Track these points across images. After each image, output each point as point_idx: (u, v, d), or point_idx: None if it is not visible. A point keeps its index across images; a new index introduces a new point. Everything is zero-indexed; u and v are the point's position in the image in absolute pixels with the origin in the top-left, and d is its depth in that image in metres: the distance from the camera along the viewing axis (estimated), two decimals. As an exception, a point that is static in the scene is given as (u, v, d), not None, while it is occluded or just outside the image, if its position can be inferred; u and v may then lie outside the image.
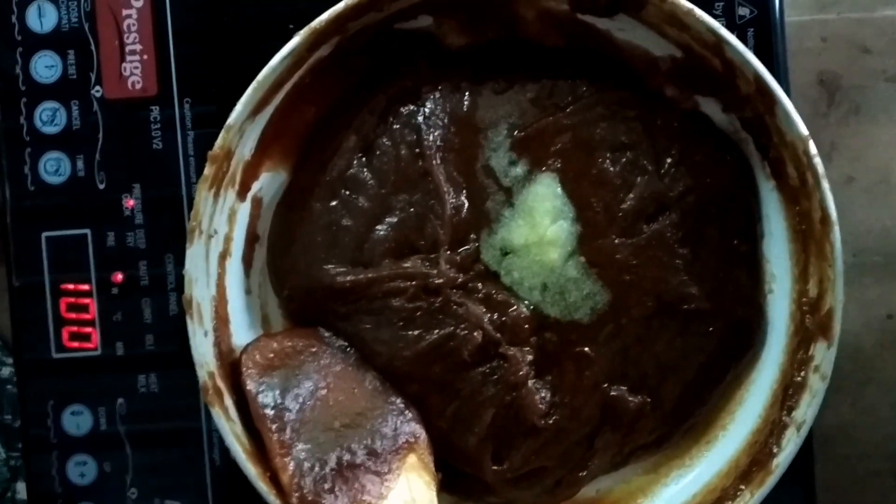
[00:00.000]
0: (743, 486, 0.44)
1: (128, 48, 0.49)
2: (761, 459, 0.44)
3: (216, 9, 0.49)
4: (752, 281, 0.47)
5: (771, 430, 0.45)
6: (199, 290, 0.44)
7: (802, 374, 0.44)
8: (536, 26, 0.46)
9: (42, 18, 0.49)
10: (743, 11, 0.49)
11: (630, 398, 0.46)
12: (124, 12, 0.49)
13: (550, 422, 0.46)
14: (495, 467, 0.46)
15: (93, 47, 0.49)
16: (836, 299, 0.42)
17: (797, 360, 0.45)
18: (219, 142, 0.43)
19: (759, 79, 0.43)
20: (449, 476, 0.46)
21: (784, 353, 0.46)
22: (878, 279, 0.55)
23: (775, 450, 0.44)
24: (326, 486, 0.42)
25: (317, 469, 0.43)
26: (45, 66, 0.49)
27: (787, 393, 0.44)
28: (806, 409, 0.43)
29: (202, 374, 0.43)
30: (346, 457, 0.43)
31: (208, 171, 0.43)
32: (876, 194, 0.56)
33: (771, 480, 0.43)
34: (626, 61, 0.46)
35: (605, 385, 0.46)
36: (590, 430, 0.46)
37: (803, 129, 0.42)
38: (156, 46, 0.49)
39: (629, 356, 0.46)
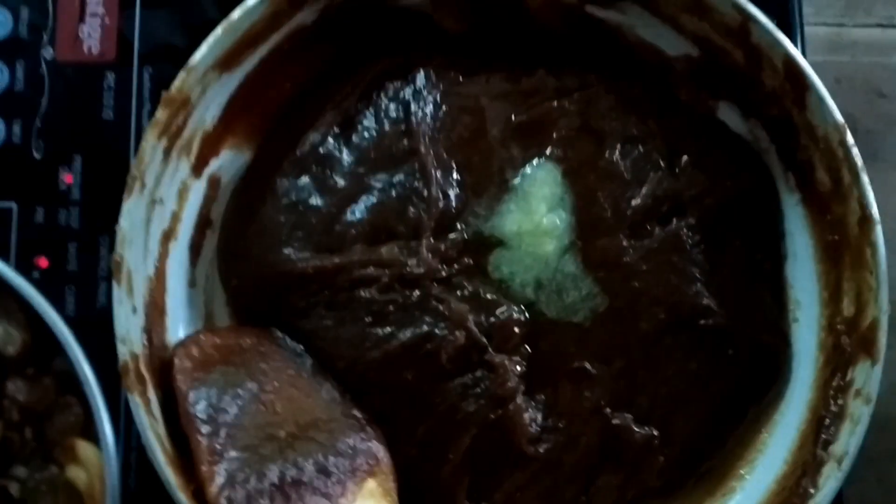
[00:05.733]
0: (774, 539, 0.37)
1: (89, 10, 0.45)
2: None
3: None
4: (778, 305, 0.41)
5: (803, 472, 0.38)
6: (133, 256, 0.37)
7: (840, 402, 0.38)
8: (542, 17, 0.43)
9: (-4, -29, 0.45)
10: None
11: (636, 429, 0.39)
12: (90, -28, 0.45)
13: (541, 450, 0.39)
14: (471, 505, 0.38)
15: (49, 5, 0.44)
16: (881, 310, 0.37)
17: (832, 388, 0.38)
18: (176, 83, 0.37)
19: (789, 63, 0.39)
20: (414, 512, 0.38)
21: (813, 389, 0.40)
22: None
23: (812, 490, 0.37)
24: (262, 503, 0.34)
25: (252, 482, 0.35)
26: (-6, 22, 0.44)
27: (822, 425, 0.38)
28: (847, 440, 0.37)
29: (123, 352, 0.35)
30: (291, 472, 0.36)
31: (161, 114, 0.37)
32: (893, 245, 0.51)
33: (809, 527, 0.36)
34: (638, 62, 0.42)
35: (608, 410, 0.39)
36: (587, 465, 0.39)
37: (839, 117, 0.38)
38: (121, 12, 0.45)
39: (636, 378, 0.39)
